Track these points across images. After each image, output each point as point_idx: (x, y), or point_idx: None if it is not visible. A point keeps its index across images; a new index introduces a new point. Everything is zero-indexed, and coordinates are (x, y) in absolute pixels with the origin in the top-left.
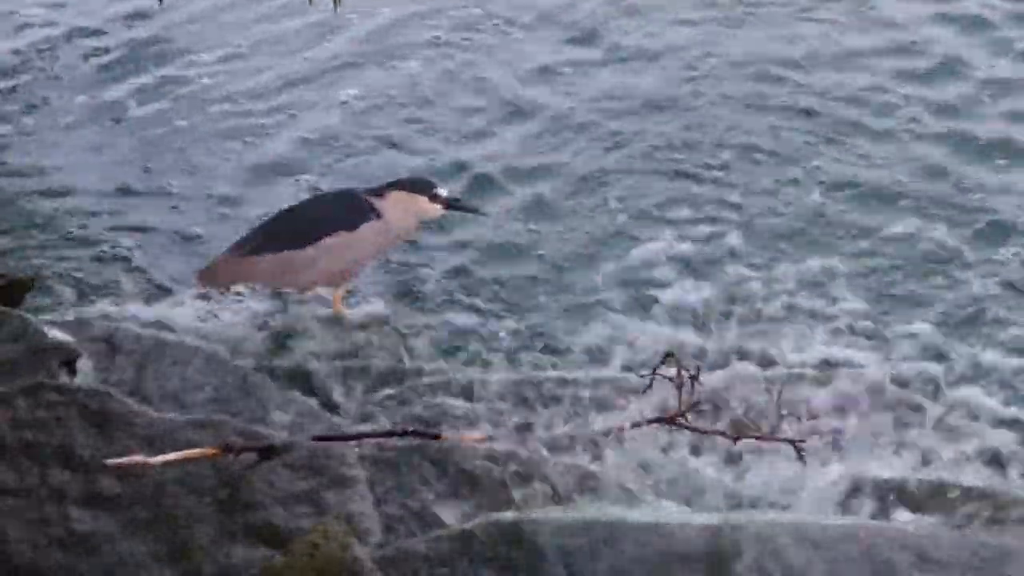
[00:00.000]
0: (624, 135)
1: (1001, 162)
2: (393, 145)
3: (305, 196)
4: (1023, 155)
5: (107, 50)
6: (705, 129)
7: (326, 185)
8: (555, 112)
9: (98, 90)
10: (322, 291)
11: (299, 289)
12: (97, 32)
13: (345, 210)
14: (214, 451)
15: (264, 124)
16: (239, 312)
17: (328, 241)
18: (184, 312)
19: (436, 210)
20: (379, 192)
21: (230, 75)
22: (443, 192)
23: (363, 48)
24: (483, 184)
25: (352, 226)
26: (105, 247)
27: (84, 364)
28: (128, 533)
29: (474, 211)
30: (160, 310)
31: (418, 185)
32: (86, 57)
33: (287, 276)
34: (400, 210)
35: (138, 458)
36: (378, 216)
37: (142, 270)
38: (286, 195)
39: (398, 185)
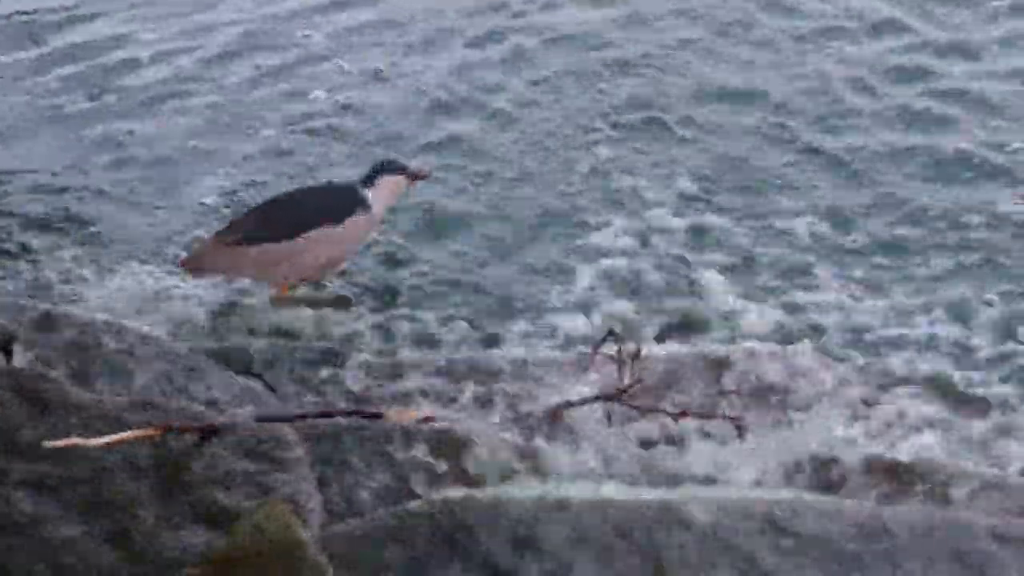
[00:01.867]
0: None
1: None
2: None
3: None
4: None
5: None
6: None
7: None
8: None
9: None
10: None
11: (282, 281)
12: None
13: (334, 202)
14: (155, 432)
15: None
16: (179, 294)
17: (314, 233)
18: (123, 294)
19: (409, 185)
20: (369, 181)
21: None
22: (411, 167)
23: None
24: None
25: (338, 219)
26: (43, 229)
27: (20, 347)
28: (68, 516)
29: (424, 177)
30: (99, 291)
31: (397, 166)
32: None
33: (271, 267)
34: (386, 195)
35: (78, 440)
36: (366, 208)
37: (80, 251)
38: (228, 183)
39: (383, 170)
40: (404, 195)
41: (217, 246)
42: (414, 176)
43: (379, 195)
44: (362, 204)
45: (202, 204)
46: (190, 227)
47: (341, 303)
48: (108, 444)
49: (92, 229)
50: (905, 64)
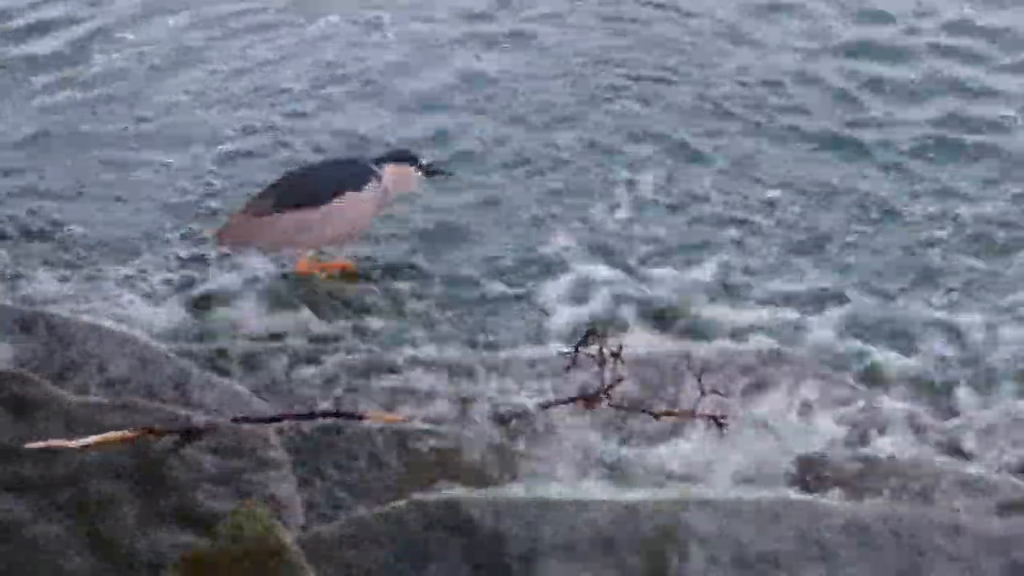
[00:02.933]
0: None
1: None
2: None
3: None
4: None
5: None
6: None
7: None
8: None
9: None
10: (332, 249)
11: (307, 248)
12: None
13: (350, 173)
14: (135, 434)
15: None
16: (158, 294)
17: (339, 200)
18: (103, 295)
19: (420, 180)
20: (377, 162)
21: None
22: (424, 162)
23: None
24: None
25: (358, 187)
26: (19, 229)
27: (0, 348)
28: (47, 518)
29: (448, 173)
30: (79, 293)
31: (407, 156)
32: None
33: (302, 235)
34: (393, 180)
35: (58, 442)
36: (379, 180)
37: (59, 253)
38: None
39: (391, 158)
40: (414, 188)
41: (249, 217)
42: (427, 171)
43: (387, 175)
44: (376, 176)
45: (183, 209)
46: (166, 227)
47: (352, 275)
48: (89, 446)
49: (69, 230)
50: None
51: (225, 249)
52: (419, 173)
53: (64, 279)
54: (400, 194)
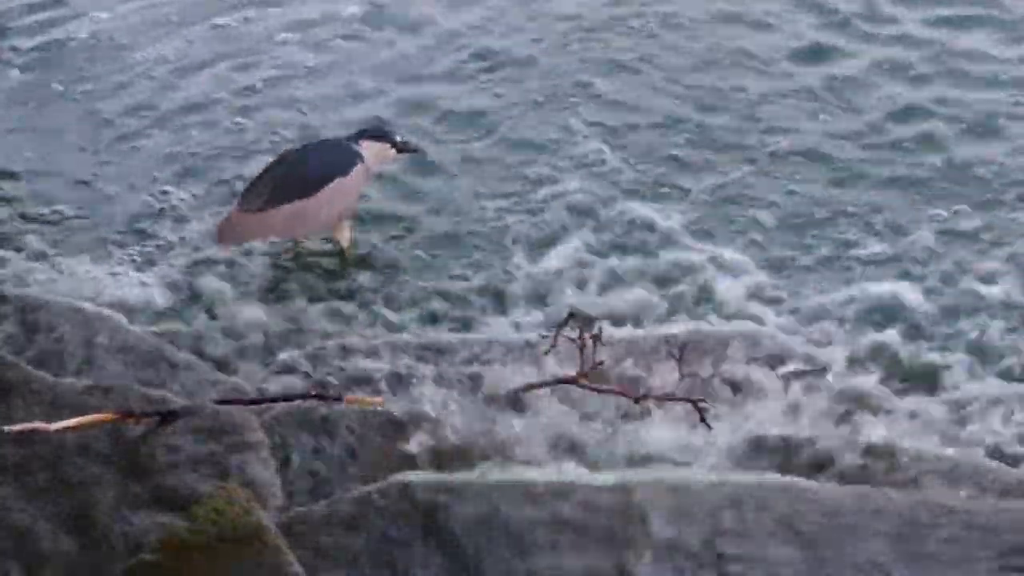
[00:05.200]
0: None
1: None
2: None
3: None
4: None
5: None
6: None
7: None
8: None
9: None
10: (325, 234)
11: (303, 236)
12: None
13: (336, 156)
14: (115, 416)
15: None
16: (137, 277)
17: (332, 186)
18: (82, 278)
19: (395, 156)
20: (354, 141)
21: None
22: (399, 138)
23: None
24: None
25: (345, 171)
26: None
27: None
28: (27, 500)
29: (417, 151)
30: (58, 276)
31: (384, 133)
32: None
33: (299, 224)
34: (371, 157)
35: (37, 424)
36: (362, 160)
37: (38, 235)
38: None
39: (367, 134)
40: (388, 164)
41: (245, 215)
42: (401, 148)
43: (365, 153)
44: (359, 156)
45: (162, 189)
46: (150, 212)
47: (346, 257)
48: (68, 428)
49: (51, 211)
50: None
51: (226, 248)
52: (394, 150)
53: (41, 259)
54: (377, 170)
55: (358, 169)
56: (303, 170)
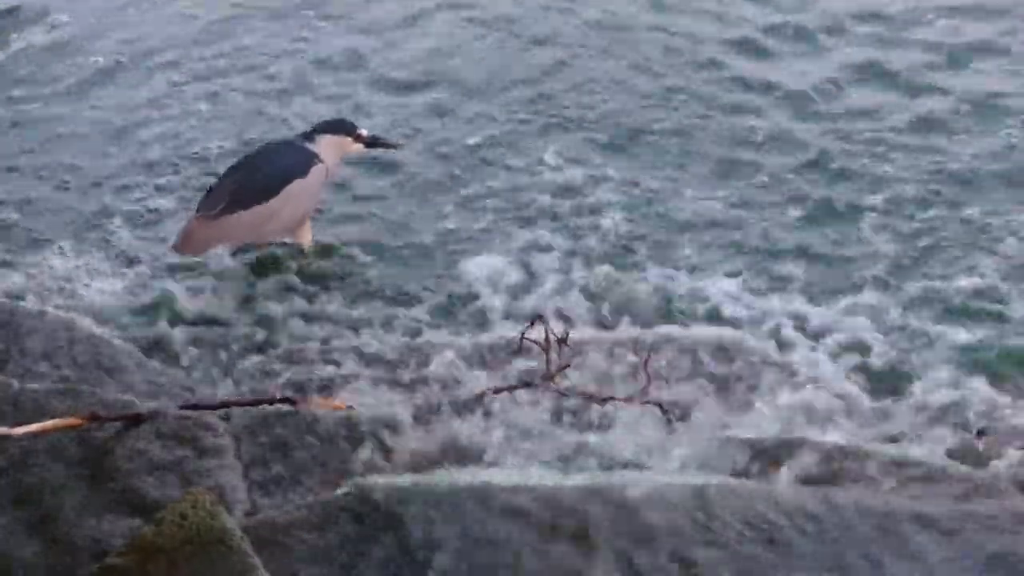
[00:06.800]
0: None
1: None
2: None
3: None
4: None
5: None
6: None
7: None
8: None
9: None
10: (287, 239)
11: (265, 240)
12: None
13: (293, 158)
14: (80, 421)
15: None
16: (102, 281)
17: (289, 189)
18: (46, 281)
19: (359, 149)
20: (310, 138)
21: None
22: (364, 131)
23: None
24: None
25: (304, 172)
26: None
27: None
28: None
29: (392, 146)
30: (21, 279)
31: (342, 127)
32: None
33: (260, 229)
34: (330, 153)
35: (2, 429)
36: (319, 160)
37: (1, 239)
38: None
39: (323, 129)
40: (355, 156)
41: (205, 221)
42: (368, 142)
43: (323, 151)
44: (315, 156)
45: (128, 194)
46: (115, 215)
47: (324, 250)
48: (32, 433)
49: (7, 214)
50: None
51: (187, 256)
52: (357, 144)
53: (4, 264)
54: (339, 164)
55: (317, 169)
56: (261, 174)
